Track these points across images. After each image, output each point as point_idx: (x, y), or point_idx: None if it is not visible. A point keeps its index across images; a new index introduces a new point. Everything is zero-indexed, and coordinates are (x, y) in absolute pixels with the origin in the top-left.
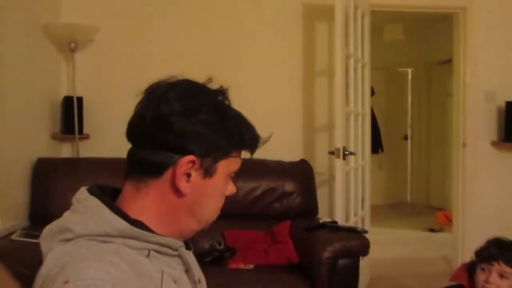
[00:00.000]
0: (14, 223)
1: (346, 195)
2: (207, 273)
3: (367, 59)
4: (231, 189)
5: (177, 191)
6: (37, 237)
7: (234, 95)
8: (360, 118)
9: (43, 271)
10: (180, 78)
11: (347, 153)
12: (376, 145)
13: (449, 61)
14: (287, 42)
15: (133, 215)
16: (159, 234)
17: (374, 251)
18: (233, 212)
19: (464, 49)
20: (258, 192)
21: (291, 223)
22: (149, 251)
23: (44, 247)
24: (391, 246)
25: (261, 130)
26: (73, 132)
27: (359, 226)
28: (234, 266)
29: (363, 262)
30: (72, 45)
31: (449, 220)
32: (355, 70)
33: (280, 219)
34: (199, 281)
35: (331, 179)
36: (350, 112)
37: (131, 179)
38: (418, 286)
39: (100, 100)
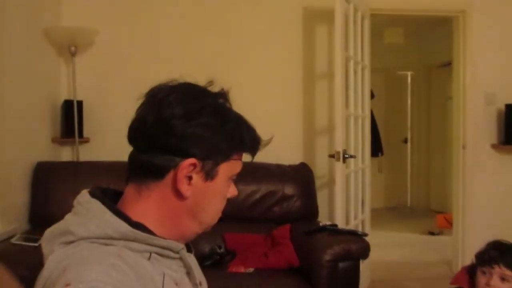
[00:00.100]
0: (14, 226)
1: (346, 198)
2: (208, 277)
3: (367, 61)
4: (232, 191)
5: (179, 194)
6: (36, 241)
7: (234, 97)
8: (360, 121)
9: (44, 273)
10: (181, 81)
11: (347, 156)
12: (376, 148)
13: (449, 64)
14: (287, 44)
15: (135, 217)
16: (160, 237)
17: (374, 254)
18: (233, 216)
19: (464, 52)
20: (258, 195)
21: (291, 226)
22: (151, 253)
23: (45, 249)
24: (391, 249)
25: (261, 132)
26: (73, 136)
27: (359, 229)
28: (234, 269)
29: (364, 265)
30: (72, 48)
31: (449, 223)
32: (355, 72)
33: (280, 223)
34: (200, 283)
35: (331, 182)
36: (350, 114)
37: (132, 182)
38: None
39: (100, 104)
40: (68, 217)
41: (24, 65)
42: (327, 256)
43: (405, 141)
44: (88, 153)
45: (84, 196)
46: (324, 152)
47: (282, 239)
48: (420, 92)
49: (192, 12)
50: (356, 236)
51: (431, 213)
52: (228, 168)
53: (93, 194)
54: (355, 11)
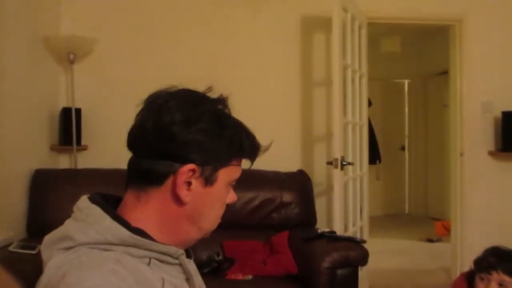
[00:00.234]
0: (12, 234)
1: (344, 205)
2: (206, 284)
3: (364, 69)
4: (231, 197)
5: (178, 200)
6: (34, 248)
7: (232, 105)
8: (357, 129)
9: (44, 279)
10: (180, 87)
11: (345, 163)
12: (374, 156)
13: (446, 73)
14: (285, 52)
15: (134, 223)
16: (160, 242)
17: (373, 262)
18: (231, 223)
19: (460, 61)
20: (256, 202)
21: (290, 233)
22: (150, 259)
23: (44, 255)
24: (390, 256)
25: (259, 140)
26: (71, 143)
27: (358, 236)
28: (232, 276)
29: (362, 272)
30: (71, 57)
31: (447, 230)
32: (353, 80)
33: (279, 230)
34: None
35: (329, 189)
36: (347, 122)
37: (131, 188)
38: None
39: (98, 112)
40: (67, 222)
41: (23, 72)
42: (325, 263)
43: (403, 148)
44: (86, 161)
45: (83, 201)
46: (322, 160)
47: (281, 246)
48: (417, 100)
49: (191, 21)
50: (355, 243)
51: (429, 220)
52: (227, 174)
53: (92, 200)
54: (353, 20)
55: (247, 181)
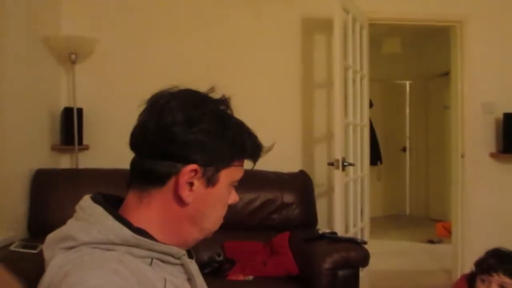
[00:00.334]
0: (13, 234)
1: (345, 206)
2: (207, 285)
3: (365, 70)
4: (234, 198)
5: (180, 200)
6: (35, 248)
7: (233, 106)
8: (359, 130)
9: (46, 278)
10: (182, 88)
11: (346, 164)
12: (375, 157)
13: (447, 74)
14: (286, 54)
15: (136, 224)
16: (162, 243)
17: (374, 263)
18: (232, 223)
19: (461, 62)
20: (257, 203)
21: (290, 234)
22: (152, 259)
23: (46, 254)
24: (391, 258)
25: (260, 140)
26: (72, 143)
27: (358, 237)
28: (233, 277)
29: (363, 274)
30: (73, 57)
31: (448, 231)
32: (354, 81)
33: (279, 230)
34: None
35: (330, 190)
36: (349, 123)
37: (134, 189)
38: None
39: (100, 111)
40: (70, 222)
41: (24, 73)
42: (326, 264)
43: (404, 149)
44: (87, 161)
45: (86, 201)
46: (323, 160)
47: (281, 247)
48: (418, 101)
49: (192, 22)
50: (356, 244)
51: (430, 221)
52: (229, 175)
53: (95, 200)
54: (354, 21)
55: (248, 181)
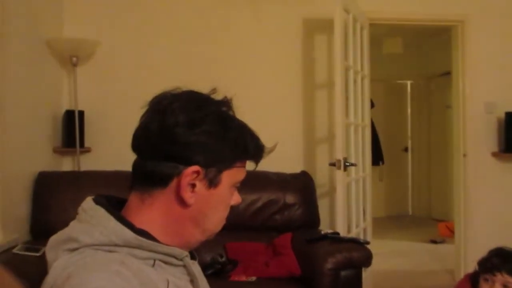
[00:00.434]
0: (16, 236)
1: (347, 207)
2: (209, 285)
3: (366, 71)
4: (236, 199)
5: (182, 202)
6: (38, 250)
7: (235, 107)
8: (360, 130)
9: (49, 280)
10: (184, 89)
11: (347, 164)
12: (377, 157)
13: (448, 74)
14: (287, 54)
15: (138, 225)
16: (164, 244)
17: (377, 263)
18: (234, 224)
19: (463, 61)
20: (259, 204)
21: (293, 235)
22: (155, 260)
23: (49, 256)
24: (393, 258)
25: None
26: (74, 146)
27: (361, 237)
28: (236, 278)
29: (366, 274)
30: (74, 59)
31: (451, 231)
32: (355, 81)
33: (282, 231)
34: None
35: (332, 190)
36: (350, 123)
37: (136, 190)
38: None
39: (102, 114)
40: (72, 224)
41: (26, 76)
42: (328, 265)
43: (406, 149)
44: (89, 163)
45: (88, 203)
46: (324, 161)
47: (284, 248)
48: (420, 101)
49: (193, 23)
50: (358, 244)
51: (432, 221)
52: (232, 176)
53: (97, 201)
54: (355, 21)
55: (250, 183)
